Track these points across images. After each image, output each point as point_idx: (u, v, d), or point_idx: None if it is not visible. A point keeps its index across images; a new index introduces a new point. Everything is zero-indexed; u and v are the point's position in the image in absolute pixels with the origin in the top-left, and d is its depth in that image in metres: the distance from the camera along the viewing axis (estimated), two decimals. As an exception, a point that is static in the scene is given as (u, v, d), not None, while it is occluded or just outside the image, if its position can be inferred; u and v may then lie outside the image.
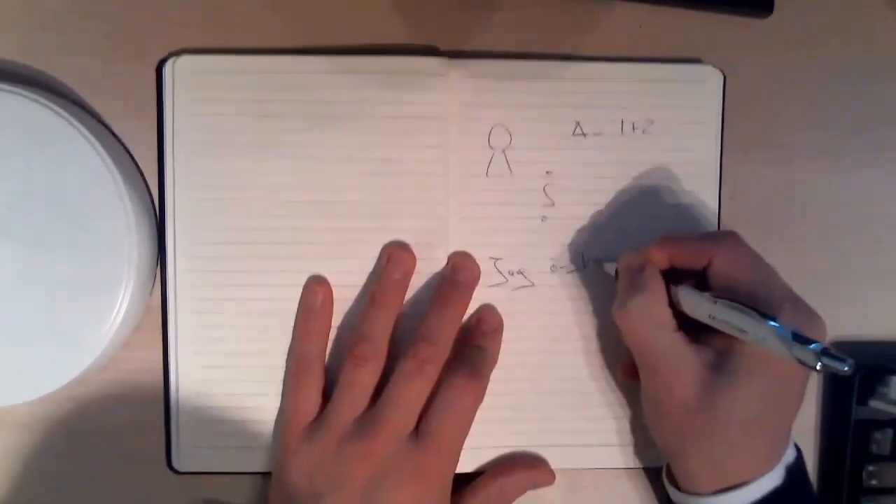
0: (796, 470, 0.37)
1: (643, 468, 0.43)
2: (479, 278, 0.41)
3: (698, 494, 0.37)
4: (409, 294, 0.41)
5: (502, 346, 0.41)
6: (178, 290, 0.41)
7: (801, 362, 0.31)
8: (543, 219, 0.42)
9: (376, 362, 0.39)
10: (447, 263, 0.41)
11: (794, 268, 0.37)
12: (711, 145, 0.42)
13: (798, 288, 0.36)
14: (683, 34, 0.43)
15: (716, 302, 0.34)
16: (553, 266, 0.42)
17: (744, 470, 0.36)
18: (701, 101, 0.42)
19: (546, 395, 0.42)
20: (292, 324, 0.41)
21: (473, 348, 0.40)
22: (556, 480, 0.42)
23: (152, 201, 0.41)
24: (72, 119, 0.37)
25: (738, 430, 0.35)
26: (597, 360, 0.42)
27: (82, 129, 0.37)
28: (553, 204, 0.42)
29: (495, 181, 0.42)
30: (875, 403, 0.42)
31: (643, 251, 0.38)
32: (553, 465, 0.42)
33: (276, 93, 0.40)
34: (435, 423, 0.38)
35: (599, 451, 0.42)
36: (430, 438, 0.38)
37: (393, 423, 0.37)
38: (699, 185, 0.42)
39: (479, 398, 0.39)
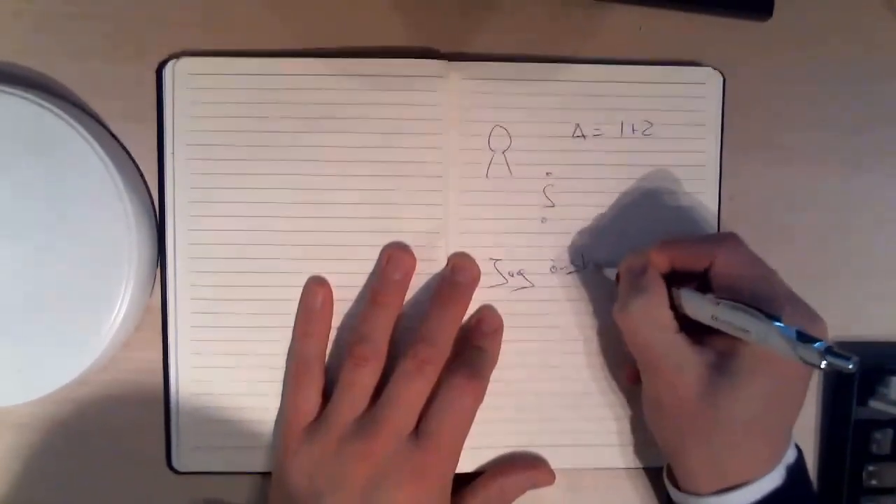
0: (797, 470, 0.37)
1: (643, 468, 0.43)
2: (478, 279, 0.41)
3: (699, 494, 0.37)
4: (409, 295, 0.41)
5: (502, 346, 0.41)
6: (178, 290, 0.41)
7: (805, 361, 0.31)
8: (543, 220, 0.42)
9: (376, 363, 0.39)
10: (447, 264, 0.41)
11: (794, 268, 0.37)
12: (711, 146, 0.42)
13: (798, 288, 0.36)
14: (683, 36, 0.43)
15: (718, 303, 0.34)
16: (553, 267, 0.42)
17: (745, 470, 0.36)
18: (701, 103, 0.42)
19: (546, 395, 0.42)
20: (292, 324, 0.41)
21: (473, 349, 0.40)
22: (556, 480, 0.42)
23: (152, 201, 0.41)
24: (72, 121, 0.37)
25: (740, 430, 0.35)
26: (597, 360, 0.42)
27: (82, 130, 0.38)
28: (553, 205, 0.42)
29: (495, 182, 0.42)
30: (875, 404, 0.42)
31: (644, 253, 0.38)
32: (553, 464, 0.42)
33: (276, 95, 0.40)
34: (435, 423, 0.38)
35: (599, 451, 0.42)
36: (430, 438, 0.38)
37: (393, 424, 0.37)
38: (699, 187, 0.42)
39: (479, 398, 0.39)
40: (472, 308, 0.41)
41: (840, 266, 0.44)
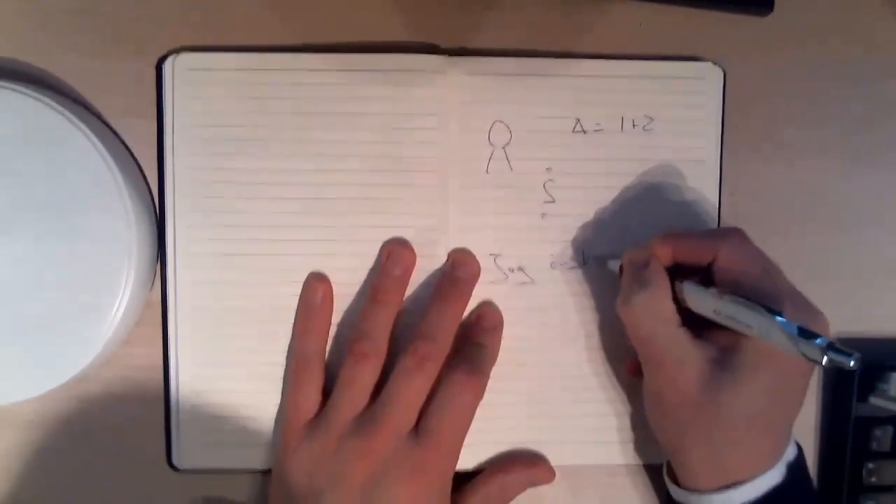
0: (797, 467, 0.37)
1: (643, 465, 0.43)
2: (478, 275, 0.41)
3: (699, 491, 0.37)
4: (409, 291, 0.41)
5: (502, 342, 0.41)
6: (177, 287, 0.41)
7: (806, 357, 0.31)
8: (543, 215, 0.42)
9: (376, 359, 0.39)
10: (447, 260, 0.41)
11: (794, 265, 0.37)
12: (712, 142, 0.42)
13: (798, 284, 0.36)
14: (683, 32, 0.43)
15: (721, 297, 0.34)
16: (553, 263, 0.42)
17: (745, 467, 0.36)
18: (701, 99, 0.42)
19: (546, 391, 0.42)
20: (292, 321, 0.41)
21: (473, 345, 0.40)
22: (557, 478, 0.42)
23: (152, 200, 0.41)
24: (72, 117, 0.37)
25: (741, 426, 0.35)
26: (597, 356, 0.42)
27: (82, 126, 0.37)
28: (553, 201, 0.42)
29: (495, 178, 0.42)
30: (875, 400, 0.42)
31: (647, 247, 0.38)
32: (553, 462, 0.42)
33: (276, 90, 0.40)
34: (435, 420, 0.38)
35: (600, 448, 0.42)
36: (430, 436, 0.37)
37: (393, 421, 0.37)
38: (699, 182, 0.42)
39: (479, 395, 0.39)
40: (472, 304, 0.41)
41: (840, 262, 0.44)
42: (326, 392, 0.39)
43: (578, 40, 0.42)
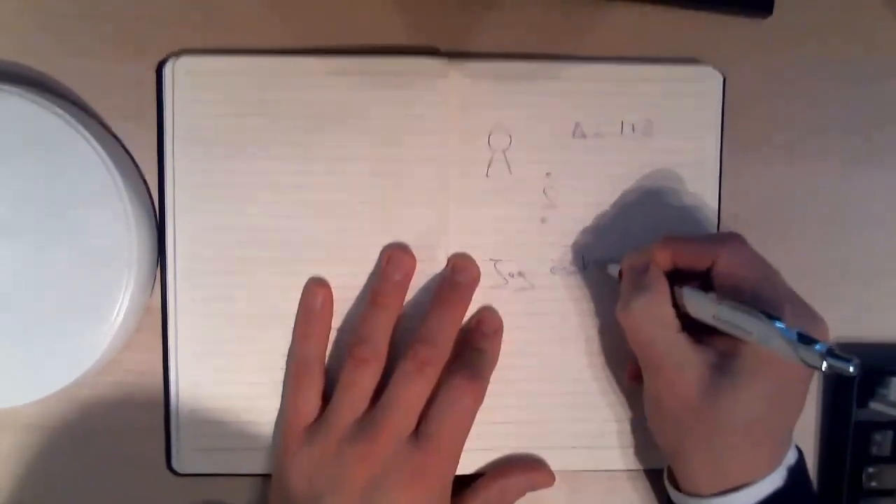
0: (798, 471, 0.37)
1: (643, 470, 0.43)
2: (478, 280, 0.41)
3: (699, 496, 0.36)
4: (409, 295, 0.41)
5: (502, 347, 0.41)
6: (178, 290, 0.41)
7: (806, 363, 0.31)
8: (543, 220, 0.42)
9: (376, 364, 0.39)
10: (447, 265, 0.41)
11: (793, 268, 0.37)
12: (711, 146, 0.42)
13: (798, 288, 0.36)
14: (683, 35, 0.43)
15: (720, 302, 0.34)
16: (553, 267, 0.42)
17: (745, 471, 0.36)
18: (701, 102, 0.42)
19: (546, 396, 0.42)
20: (292, 325, 0.41)
21: (473, 350, 0.40)
22: (556, 482, 0.42)
23: (152, 201, 0.41)
24: (72, 120, 0.37)
25: (741, 431, 0.35)
26: (597, 361, 0.42)
27: (82, 129, 0.37)
28: (553, 205, 0.42)
29: (495, 182, 0.41)
30: (875, 405, 0.42)
31: (647, 251, 0.38)
32: (553, 466, 0.42)
33: (276, 93, 0.40)
34: (435, 424, 0.38)
35: (599, 453, 0.42)
36: (430, 440, 0.37)
37: (393, 425, 0.37)
38: (699, 186, 0.42)
39: (479, 400, 0.39)
40: (472, 309, 0.41)
41: (840, 266, 0.44)
42: (326, 396, 0.40)
43: (578, 43, 0.42)
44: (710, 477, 0.36)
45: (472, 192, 0.41)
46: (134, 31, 0.41)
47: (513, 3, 0.42)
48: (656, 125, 0.42)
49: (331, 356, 0.41)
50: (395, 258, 0.40)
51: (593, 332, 0.42)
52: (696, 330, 0.36)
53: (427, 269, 0.41)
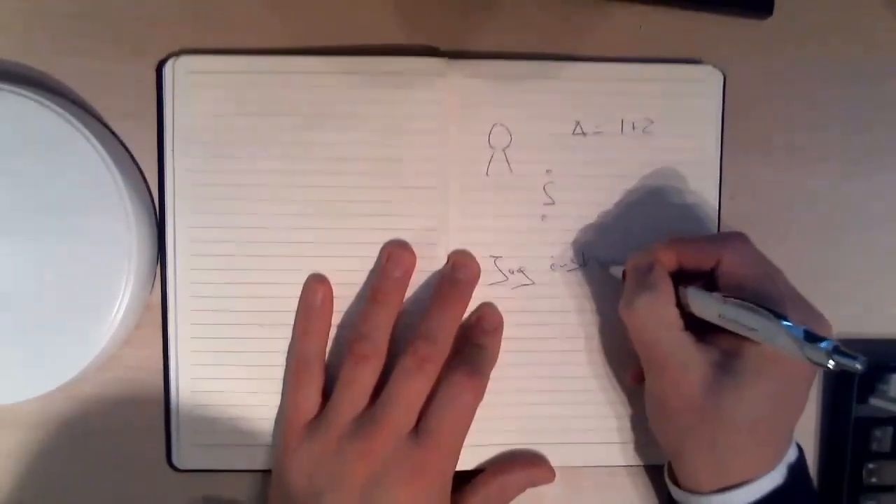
0: (798, 468, 0.37)
1: (644, 466, 0.43)
2: (479, 277, 0.41)
3: (700, 493, 0.36)
4: (410, 292, 0.41)
5: (502, 344, 0.41)
6: (177, 288, 0.41)
7: (812, 361, 0.31)
8: (543, 217, 0.42)
9: (376, 360, 0.39)
10: (447, 262, 0.41)
11: (794, 267, 0.37)
12: (711, 145, 0.42)
13: (797, 286, 0.36)
14: (683, 34, 0.43)
15: (725, 301, 0.34)
16: (553, 264, 0.42)
17: (746, 469, 0.36)
18: (701, 101, 0.42)
19: (546, 392, 0.42)
20: (292, 322, 0.41)
21: (473, 346, 0.40)
22: (557, 478, 0.42)
23: (152, 201, 0.41)
24: (72, 119, 0.37)
25: (744, 430, 0.35)
26: (597, 358, 0.42)
27: (82, 129, 0.38)
28: (553, 203, 0.42)
29: (495, 180, 0.42)
30: (875, 401, 0.42)
31: (651, 251, 0.38)
32: (553, 462, 0.42)
33: (276, 93, 0.40)
34: (435, 420, 0.38)
35: (600, 449, 0.42)
36: (430, 436, 0.38)
37: (393, 422, 0.37)
38: (699, 185, 0.42)
39: (479, 396, 0.39)
40: (472, 305, 0.41)
41: (839, 264, 0.44)
42: (326, 393, 0.40)
43: (579, 42, 0.42)
44: (712, 475, 0.36)
45: (472, 190, 0.41)
46: (134, 31, 0.41)
47: (513, 3, 0.42)
48: (656, 124, 0.42)
49: (331, 353, 0.41)
50: (395, 255, 0.40)
51: (593, 329, 0.42)
52: (698, 330, 0.36)
53: (427, 265, 0.41)
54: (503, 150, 0.42)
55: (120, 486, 0.41)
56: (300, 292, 0.41)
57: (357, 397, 0.38)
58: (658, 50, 0.43)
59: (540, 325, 0.42)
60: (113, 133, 0.41)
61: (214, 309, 0.41)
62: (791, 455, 0.37)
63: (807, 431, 0.44)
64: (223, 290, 0.41)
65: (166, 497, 0.41)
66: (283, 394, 0.41)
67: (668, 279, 0.37)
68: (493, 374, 0.40)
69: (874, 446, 0.42)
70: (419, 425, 0.38)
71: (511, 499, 0.41)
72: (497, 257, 0.42)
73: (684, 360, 0.35)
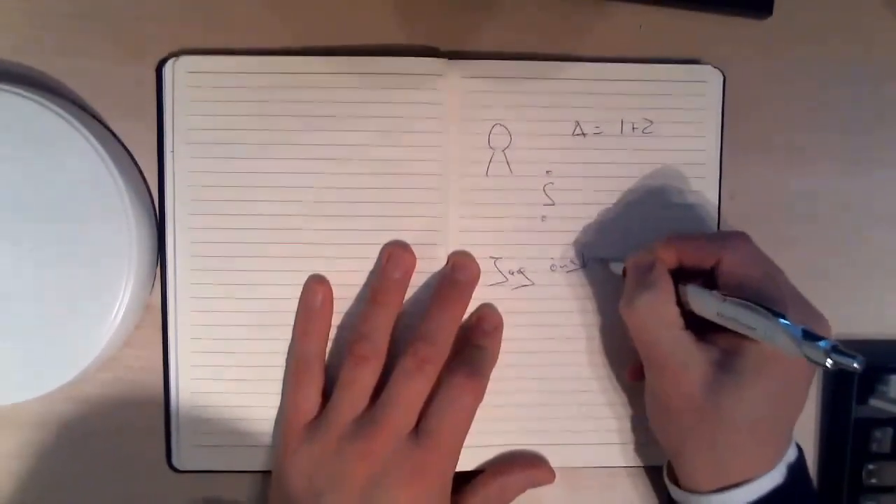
0: (797, 468, 0.37)
1: (643, 467, 0.43)
2: (479, 277, 0.41)
3: (699, 492, 0.37)
4: (410, 293, 0.41)
5: (502, 345, 0.41)
6: (178, 289, 0.41)
7: (810, 360, 0.31)
8: (543, 218, 0.42)
9: (376, 361, 0.39)
10: (447, 262, 0.41)
11: (793, 267, 0.37)
12: (711, 145, 0.42)
13: (798, 287, 0.36)
14: (683, 34, 0.43)
15: (725, 299, 0.34)
16: (553, 265, 0.42)
17: (746, 468, 0.36)
18: (701, 101, 0.42)
19: (546, 393, 0.42)
20: (292, 323, 0.41)
21: (473, 347, 0.40)
22: (556, 479, 0.42)
23: (152, 201, 0.41)
24: (72, 119, 0.37)
25: (744, 430, 0.35)
26: (597, 358, 0.42)
27: (82, 129, 0.38)
28: (553, 203, 0.42)
29: (495, 181, 0.42)
30: (875, 402, 0.42)
31: (652, 249, 0.38)
32: (553, 463, 0.42)
33: (276, 93, 0.40)
34: (435, 421, 0.38)
35: (599, 450, 0.42)
36: (430, 437, 0.38)
37: (393, 422, 0.37)
38: (699, 185, 0.42)
39: (479, 397, 0.39)
40: (472, 306, 0.41)
41: (839, 264, 0.44)
42: (326, 394, 0.40)
43: (578, 43, 0.42)
44: (711, 473, 0.36)
45: (472, 190, 0.41)
46: (134, 31, 0.41)
47: (513, 3, 0.42)
48: (656, 124, 0.42)
49: (331, 354, 0.41)
50: (395, 256, 0.40)
51: (593, 330, 0.42)
52: (698, 328, 0.36)
53: (427, 266, 0.41)
54: (503, 151, 0.42)
55: (120, 487, 0.41)
56: (300, 293, 0.41)
57: (357, 398, 0.38)
58: (658, 50, 0.42)
59: (540, 325, 0.42)
60: (113, 134, 0.41)
61: (214, 310, 0.41)
62: (791, 455, 0.37)
63: (806, 432, 0.44)
64: (223, 291, 0.41)
65: (166, 498, 0.41)
66: (282, 394, 0.41)
67: (669, 277, 0.37)
68: (493, 375, 0.40)
69: (874, 447, 0.42)
70: (419, 426, 0.38)
71: (511, 499, 0.41)
72: (497, 258, 0.42)
73: (684, 358, 0.35)
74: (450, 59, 0.41)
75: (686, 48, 0.43)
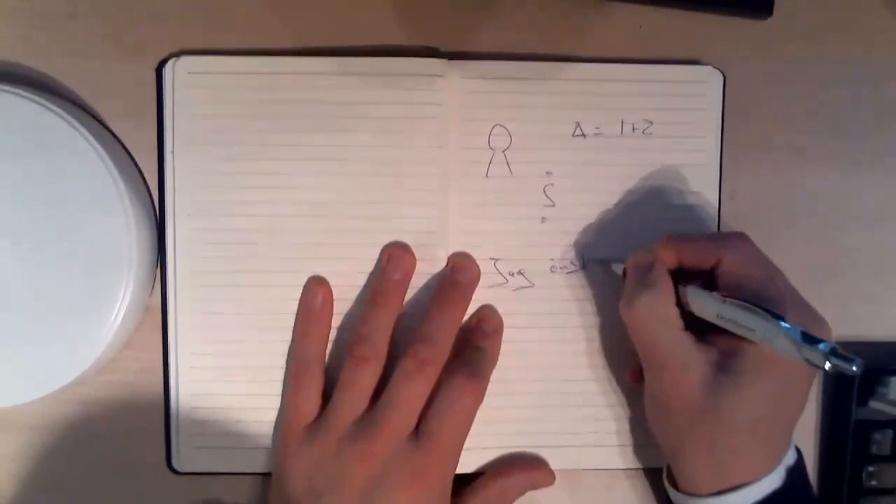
0: (797, 471, 0.37)
1: (643, 469, 0.43)
2: (478, 279, 0.41)
3: (698, 495, 0.36)
4: (409, 294, 0.41)
5: (502, 346, 0.41)
6: (177, 290, 0.41)
7: (809, 362, 0.31)
8: (543, 219, 0.42)
9: (376, 363, 0.39)
10: (447, 264, 0.41)
11: (793, 268, 0.37)
12: (711, 146, 0.42)
13: (797, 287, 0.36)
14: (683, 35, 0.43)
15: (724, 301, 0.34)
16: (553, 266, 0.42)
17: (745, 471, 0.36)
18: (701, 102, 0.42)
19: (546, 395, 0.42)
20: (292, 324, 0.41)
21: (473, 349, 0.40)
22: (556, 481, 0.42)
23: (152, 201, 0.41)
24: (72, 120, 0.37)
25: (743, 431, 0.35)
26: (597, 360, 0.42)
27: (82, 129, 0.37)
28: (553, 204, 0.42)
29: (495, 182, 0.42)
30: (875, 404, 0.42)
31: (652, 249, 0.38)
32: (553, 465, 0.42)
33: (276, 93, 0.40)
34: (435, 423, 0.38)
35: (599, 452, 0.42)
36: (430, 439, 0.37)
37: (393, 424, 0.37)
38: (699, 186, 0.42)
39: (479, 399, 0.39)
40: (472, 308, 0.41)
41: (839, 266, 0.44)
42: (326, 395, 0.40)
43: (578, 44, 0.42)
44: (710, 476, 0.36)
45: (472, 191, 0.41)
46: (134, 31, 0.41)
47: (513, 3, 0.42)
48: (656, 125, 0.42)
49: (331, 355, 0.41)
50: (395, 257, 0.40)
51: (593, 331, 0.42)
52: (698, 329, 0.36)
53: (427, 268, 0.41)
54: (503, 152, 0.41)
55: (120, 489, 0.41)
56: (300, 294, 0.41)
57: (357, 400, 0.38)
58: (658, 50, 0.42)
59: (540, 327, 0.42)
60: (113, 134, 0.41)
61: (214, 311, 0.41)
62: (790, 458, 0.37)
63: (806, 434, 0.44)
64: (223, 292, 0.41)
65: (166, 500, 0.41)
66: (282, 396, 0.41)
67: (668, 278, 0.37)
68: (493, 376, 0.40)
69: (874, 449, 0.42)
70: (419, 428, 0.38)
71: (511, 501, 0.41)
72: (497, 259, 0.42)
73: (684, 359, 0.35)
74: (450, 59, 0.41)
75: (686, 48, 0.43)
